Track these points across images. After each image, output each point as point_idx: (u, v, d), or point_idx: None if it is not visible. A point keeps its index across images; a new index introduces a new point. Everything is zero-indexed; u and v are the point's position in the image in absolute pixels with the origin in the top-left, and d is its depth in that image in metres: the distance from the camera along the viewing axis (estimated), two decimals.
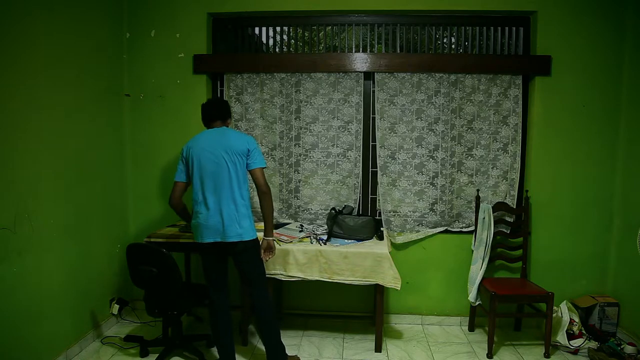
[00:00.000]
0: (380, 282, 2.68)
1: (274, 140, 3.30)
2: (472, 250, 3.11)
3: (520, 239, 3.08)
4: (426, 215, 3.25)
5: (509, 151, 3.18)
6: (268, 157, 3.30)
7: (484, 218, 3.02)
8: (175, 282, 2.43)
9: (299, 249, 2.72)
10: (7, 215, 2.17)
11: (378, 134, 3.21)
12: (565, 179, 3.10)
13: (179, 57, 3.22)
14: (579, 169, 3.09)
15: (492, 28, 3.20)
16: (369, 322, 3.25)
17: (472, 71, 3.10)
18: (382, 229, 3.06)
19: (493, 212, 3.01)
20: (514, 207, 3.17)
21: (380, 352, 2.81)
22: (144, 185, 3.33)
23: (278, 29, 3.35)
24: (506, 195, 3.20)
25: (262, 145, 3.30)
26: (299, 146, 3.28)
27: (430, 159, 3.22)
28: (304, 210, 3.34)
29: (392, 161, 3.23)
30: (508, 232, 3.14)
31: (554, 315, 2.84)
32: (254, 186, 2.39)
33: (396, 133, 3.22)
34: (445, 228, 3.22)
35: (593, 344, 2.80)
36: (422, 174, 3.23)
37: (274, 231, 2.70)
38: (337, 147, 3.26)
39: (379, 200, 3.27)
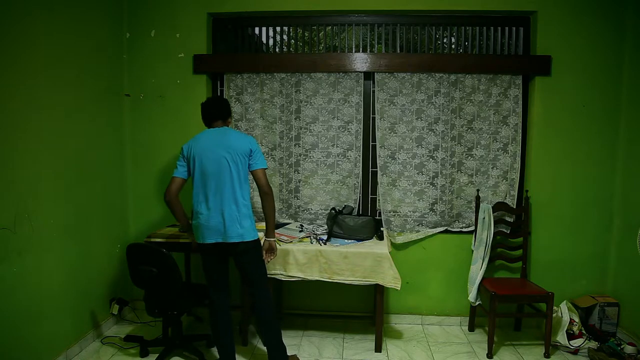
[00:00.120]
0: (380, 282, 2.68)
1: (274, 140, 3.30)
2: (472, 250, 3.11)
3: (520, 239, 3.08)
4: (426, 215, 3.25)
5: (509, 151, 3.18)
6: (268, 157, 3.30)
7: (484, 218, 3.02)
8: (175, 282, 2.43)
9: (299, 249, 2.72)
10: (7, 215, 2.17)
11: (378, 134, 3.21)
12: (565, 179, 3.10)
13: (179, 57, 3.22)
14: (579, 169, 3.09)
15: (492, 28, 3.20)
16: (369, 322, 3.25)
17: (472, 71, 3.10)
18: (382, 229, 3.06)
19: (493, 212, 3.01)
20: (514, 207, 3.17)
21: (380, 352, 2.81)
22: (144, 185, 3.33)
23: (278, 29, 3.35)
24: (506, 195, 3.20)
25: (262, 145, 3.30)
26: (299, 146, 3.28)
27: (430, 159, 3.22)
28: (304, 210, 3.34)
29: (392, 161, 3.23)
30: (508, 232, 3.14)
31: (554, 315, 2.84)
32: (254, 186, 2.39)
33: (396, 133, 3.22)
34: (445, 228, 3.22)
35: (593, 344, 2.80)
36: (422, 174, 3.23)
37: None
38: (337, 147, 3.27)
39: (379, 200, 3.27)
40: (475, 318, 3.16)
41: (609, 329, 2.96)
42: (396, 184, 3.24)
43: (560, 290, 2.96)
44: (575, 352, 2.79)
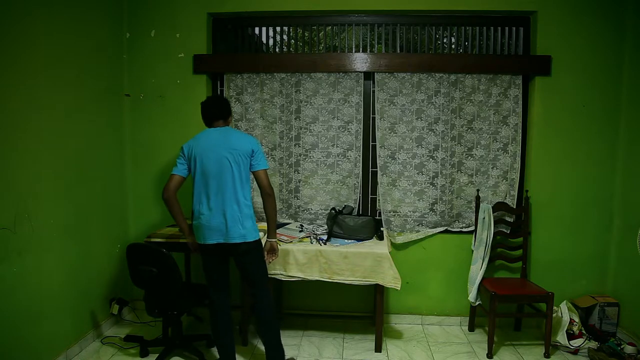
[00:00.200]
0: (380, 282, 2.68)
1: (274, 140, 3.30)
2: (472, 250, 3.11)
3: (520, 239, 3.08)
4: (426, 215, 3.25)
5: (509, 151, 3.18)
6: (268, 157, 3.30)
7: (484, 218, 3.02)
8: (175, 282, 2.43)
9: (299, 249, 2.72)
10: (7, 215, 2.16)
11: (378, 134, 3.21)
12: (565, 179, 3.10)
13: (179, 57, 3.22)
14: (579, 169, 3.09)
15: (492, 28, 3.20)
16: (369, 322, 3.25)
17: (472, 71, 3.10)
18: (382, 229, 3.05)
19: (493, 212, 3.01)
20: (514, 207, 3.17)
21: (380, 352, 2.81)
22: (144, 185, 3.33)
23: (278, 29, 3.35)
24: (506, 195, 3.20)
25: (262, 145, 3.30)
26: (299, 146, 3.28)
27: (430, 159, 3.22)
28: (304, 210, 3.34)
29: (392, 161, 3.23)
30: (508, 232, 3.14)
31: (554, 315, 2.84)
32: (254, 186, 2.38)
33: (396, 133, 3.21)
34: (445, 228, 3.22)
35: (593, 344, 2.80)
36: (422, 174, 3.23)
37: None
38: (337, 147, 3.26)
39: (379, 200, 3.27)
40: (475, 318, 3.16)
41: (609, 329, 2.96)
42: (396, 184, 3.24)
43: (560, 290, 2.96)
44: (575, 352, 2.79)
